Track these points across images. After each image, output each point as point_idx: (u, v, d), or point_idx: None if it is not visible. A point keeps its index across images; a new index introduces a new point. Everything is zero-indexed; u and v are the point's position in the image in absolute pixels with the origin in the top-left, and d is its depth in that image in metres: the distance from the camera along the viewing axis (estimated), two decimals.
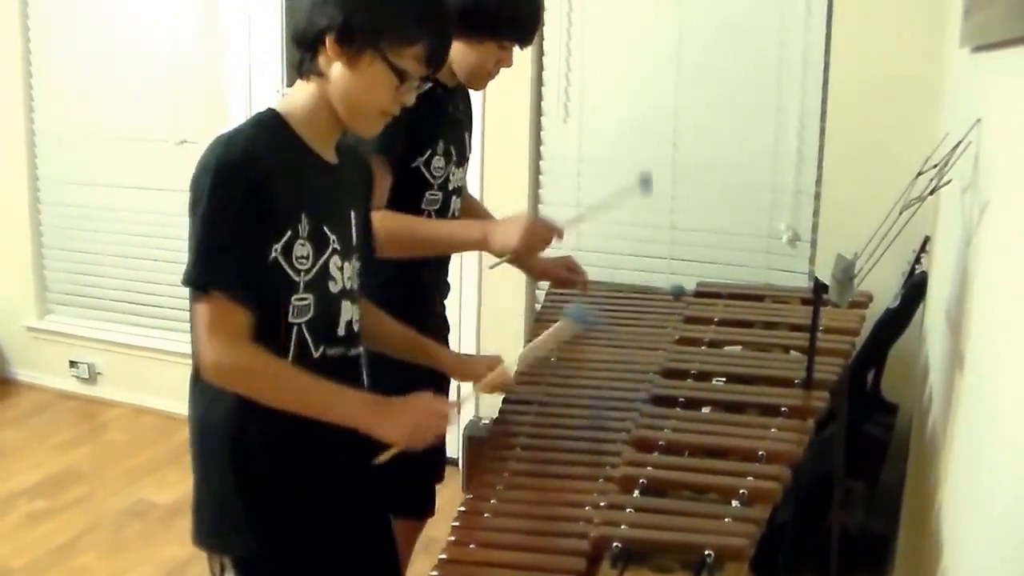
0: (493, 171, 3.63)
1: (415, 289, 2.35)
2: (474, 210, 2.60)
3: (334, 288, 1.70)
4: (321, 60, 1.63)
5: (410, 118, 1.89)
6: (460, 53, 2.22)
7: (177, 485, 3.66)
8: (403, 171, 2.24)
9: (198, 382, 1.70)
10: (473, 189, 3.57)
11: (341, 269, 1.71)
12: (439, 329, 2.50)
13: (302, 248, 1.62)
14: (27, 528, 3.44)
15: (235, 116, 4.03)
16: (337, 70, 1.62)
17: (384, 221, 2.08)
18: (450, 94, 2.33)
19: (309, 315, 1.66)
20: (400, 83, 1.64)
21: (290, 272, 1.62)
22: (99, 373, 4.60)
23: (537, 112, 3.60)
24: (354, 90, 1.63)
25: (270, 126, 1.64)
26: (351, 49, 1.60)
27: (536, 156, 3.63)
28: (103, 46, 4.33)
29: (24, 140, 4.56)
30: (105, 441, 4.19)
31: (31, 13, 4.46)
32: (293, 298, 1.63)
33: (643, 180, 2.32)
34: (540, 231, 2.25)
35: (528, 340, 2.40)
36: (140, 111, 4.30)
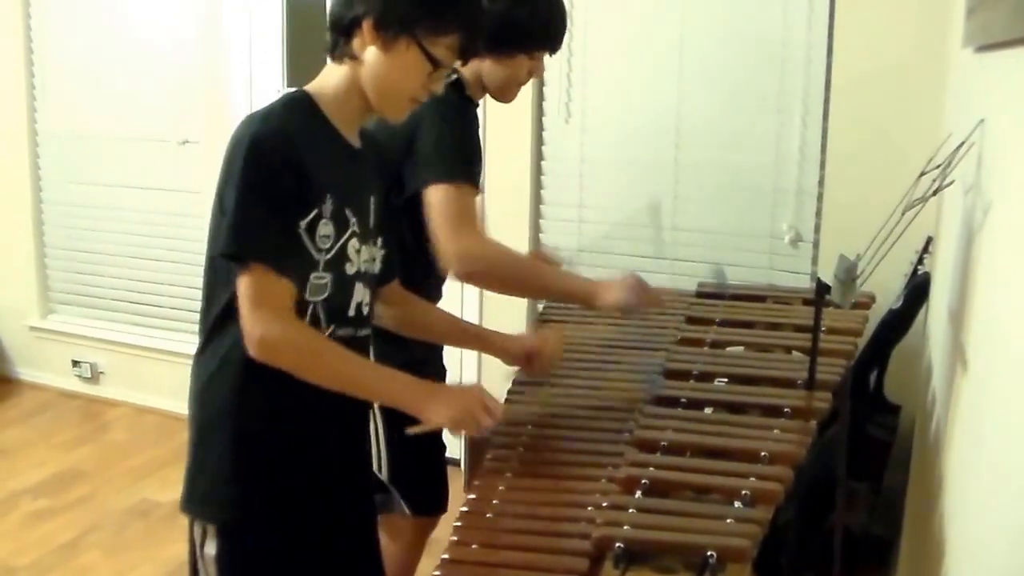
0: (495, 172, 3.63)
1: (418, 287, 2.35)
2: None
3: (350, 270, 1.73)
4: (356, 44, 1.67)
5: (477, 141, 2.01)
6: (492, 70, 2.24)
7: (180, 484, 3.63)
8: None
9: (204, 353, 1.73)
10: None
11: (358, 252, 1.74)
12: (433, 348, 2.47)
13: (325, 227, 1.66)
14: (30, 527, 3.44)
15: (236, 116, 4.02)
16: (372, 54, 1.66)
17: (498, 253, 2.15)
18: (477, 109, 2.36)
19: (325, 294, 1.69)
20: (433, 70, 1.68)
21: (311, 250, 1.65)
22: (101, 372, 4.60)
23: (539, 112, 3.60)
24: (388, 74, 1.67)
25: (302, 107, 1.69)
26: (388, 34, 1.64)
27: (538, 156, 3.63)
28: (105, 46, 4.34)
29: (26, 140, 4.57)
30: (108, 440, 4.20)
31: (33, 13, 4.46)
32: (312, 276, 1.66)
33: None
34: (647, 290, 2.24)
35: None
36: (142, 111, 4.31)
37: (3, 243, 4.73)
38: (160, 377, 4.37)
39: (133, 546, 3.32)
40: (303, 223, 1.63)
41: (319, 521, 1.79)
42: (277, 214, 1.60)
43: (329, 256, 1.68)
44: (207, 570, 1.75)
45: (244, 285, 1.60)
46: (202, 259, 4.11)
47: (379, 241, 1.83)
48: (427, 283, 2.30)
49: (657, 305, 2.29)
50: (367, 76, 1.68)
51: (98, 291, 4.60)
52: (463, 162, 2.16)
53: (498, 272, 2.18)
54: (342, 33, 1.68)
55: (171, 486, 3.69)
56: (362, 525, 1.95)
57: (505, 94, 2.31)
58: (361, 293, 1.77)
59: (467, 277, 2.16)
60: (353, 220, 1.72)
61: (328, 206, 1.66)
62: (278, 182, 1.59)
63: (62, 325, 4.69)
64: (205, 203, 4.61)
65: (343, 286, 1.72)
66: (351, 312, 1.75)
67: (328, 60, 1.74)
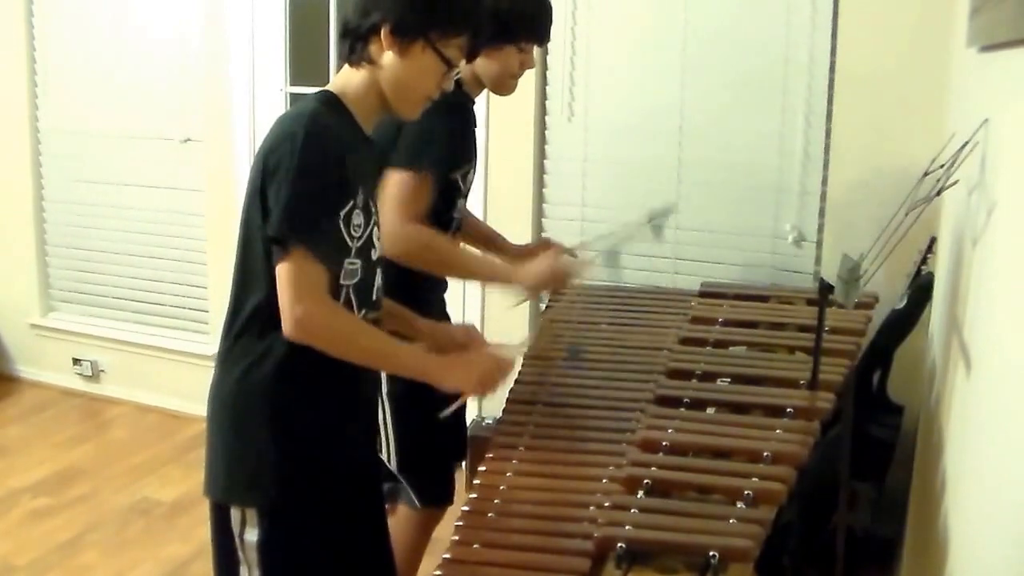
0: (498, 171, 3.63)
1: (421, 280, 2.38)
2: (480, 227, 2.72)
3: (374, 255, 1.86)
4: (372, 49, 1.78)
5: (462, 134, 2.08)
6: (484, 64, 2.30)
7: (180, 483, 3.66)
8: (444, 182, 2.31)
9: (235, 347, 1.80)
10: (478, 188, 3.57)
11: (379, 239, 1.88)
12: (441, 316, 2.55)
13: (358, 217, 1.77)
14: (30, 525, 3.44)
15: (239, 114, 4.04)
16: (389, 59, 1.77)
17: (429, 238, 2.24)
18: (473, 106, 2.43)
19: (356, 279, 1.81)
20: (447, 70, 1.80)
21: (347, 239, 1.76)
22: (102, 371, 4.60)
23: (542, 111, 3.59)
24: (406, 77, 1.78)
25: (334, 106, 1.79)
26: (404, 40, 1.76)
27: (541, 155, 3.63)
28: (108, 44, 4.33)
29: (29, 137, 4.56)
30: (108, 439, 4.19)
31: (36, 11, 4.46)
32: (346, 261, 1.78)
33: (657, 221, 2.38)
34: (562, 270, 2.37)
35: (534, 335, 2.41)
36: (144, 109, 4.30)
37: (4, 240, 4.73)
38: (161, 376, 4.36)
39: (133, 545, 3.32)
40: (342, 213, 1.73)
41: (348, 502, 1.88)
42: (324, 204, 1.70)
43: (360, 244, 1.79)
44: (247, 557, 1.81)
45: (286, 268, 1.68)
46: (204, 256, 4.15)
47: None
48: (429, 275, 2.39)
49: (574, 277, 2.42)
50: (386, 79, 1.79)
51: (99, 289, 4.59)
52: (433, 152, 2.23)
53: (427, 255, 2.28)
54: (358, 39, 1.78)
55: (172, 484, 3.70)
56: (377, 507, 2.05)
57: (501, 87, 2.38)
58: (379, 278, 1.90)
59: (397, 257, 2.23)
60: (374, 209, 1.85)
61: (360, 197, 1.77)
62: (328, 174, 1.70)
63: (63, 323, 4.68)
64: (207, 201, 4.61)
65: (369, 271, 1.84)
66: (373, 296, 1.87)
67: (346, 64, 1.83)
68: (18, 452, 4.03)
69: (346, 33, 1.80)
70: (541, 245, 2.69)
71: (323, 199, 1.70)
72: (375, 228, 1.85)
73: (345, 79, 1.82)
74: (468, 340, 2.15)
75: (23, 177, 4.60)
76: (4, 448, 4.06)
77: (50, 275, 4.71)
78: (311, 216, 1.69)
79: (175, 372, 4.27)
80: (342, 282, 1.77)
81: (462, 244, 2.52)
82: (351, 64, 1.81)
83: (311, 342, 1.71)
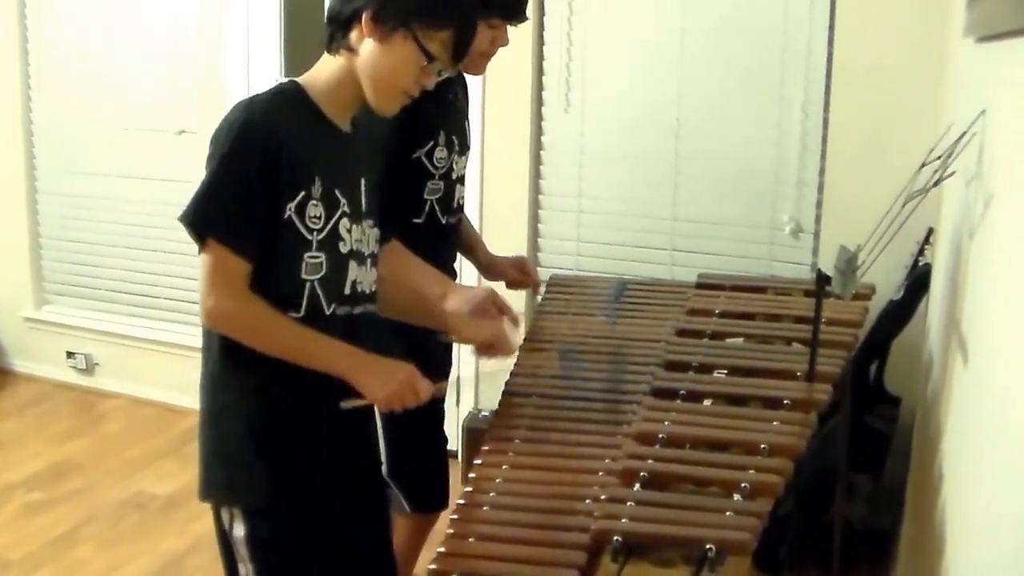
0: (494, 162, 3.62)
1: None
2: (467, 232, 2.60)
3: (343, 248, 1.80)
4: (353, 36, 1.75)
5: (412, 109, 1.93)
6: None
7: (175, 476, 3.65)
8: (404, 162, 2.26)
9: (210, 345, 1.80)
10: (474, 180, 3.56)
11: (349, 231, 1.81)
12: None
13: (315, 208, 1.74)
14: (24, 520, 3.43)
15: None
16: (368, 46, 1.74)
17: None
18: (449, 83, 2.31)
19: (321, 273, 1.76)
20: (426, 63, 1.75)
21: (303, 231, 1.73)
22: (97, 364, 4.58)
23: (538, 102, 3.58)
24: (383, 66, 1.75)
25: (290, 95, 1.78)
26: (385, 27, 1.72)
27: (537, 146, 3.62)
28: (102, 35, 4.31)
29: (22, 130, 4.54)
30: (103, 432, 4.18)
31: (29, 2, 4.44)
32: (306, 255, 1.74)
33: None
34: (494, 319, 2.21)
35: (529, 332, 2.40)
36: (139, 101, 4.28)
37: None
38: (156, 369, 4.35)
39: (128, 539, 3.31)
40: (292, 205, 1.71)
41: (337, 502, 1.85)
42: (244, 198, 1.68)
43: (322, 236, 1.75)
44: (240, 553, 1.82)
45: (203, 260, 1.70)
46: (198, 249, 4.04)
47: (371, 221, 1.89)
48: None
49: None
50: (363, 67, 1.76)
51: (93, 282, 4.58)
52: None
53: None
54: (340, 27, 1.76)
55: (167, 478, 3.69)
56: (375, 505, 2.02)
57: (470, 66, 2.26)
58: (355, 271, 1.83)
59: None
60: (343, 201, 1.79)
61: (317, 188, 1.74)
62: (253, 168, 1.67)
63: (57, 316, 4.66)
64: None
65: (337, 264, 1.79)
66: (346, 291, 1.82)
67: (325, 53, 1.81)
68: (12, 446, 4.01)
69: (329, 20, 1.79)
70: (514, 262, 2.61)
71: (244, 194, 1.67)
72: (344, 219, 1.79)
73: (318, 69, 1.81)
74: (495, 340, 2.10)
75: (16, 169, 4.58)
76: None
77: (44, 268, 4.70)
78: (224, 209, 1.68)
79: (170, 365, 4.25)
80: (304, 276, 1.74)
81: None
82: (329, 51, 1.79)
83: (222, 331, 1.73)
